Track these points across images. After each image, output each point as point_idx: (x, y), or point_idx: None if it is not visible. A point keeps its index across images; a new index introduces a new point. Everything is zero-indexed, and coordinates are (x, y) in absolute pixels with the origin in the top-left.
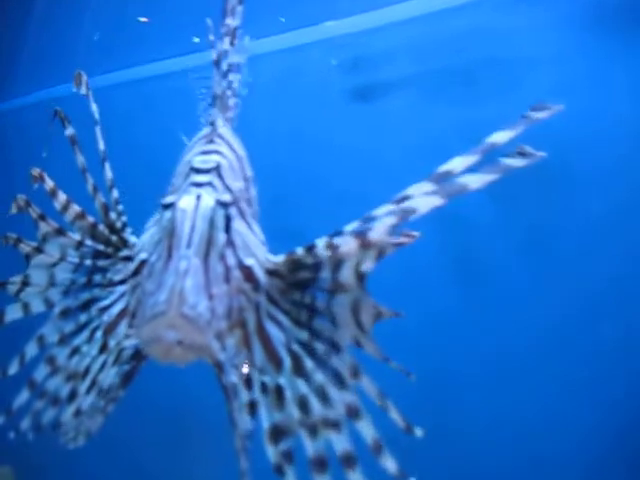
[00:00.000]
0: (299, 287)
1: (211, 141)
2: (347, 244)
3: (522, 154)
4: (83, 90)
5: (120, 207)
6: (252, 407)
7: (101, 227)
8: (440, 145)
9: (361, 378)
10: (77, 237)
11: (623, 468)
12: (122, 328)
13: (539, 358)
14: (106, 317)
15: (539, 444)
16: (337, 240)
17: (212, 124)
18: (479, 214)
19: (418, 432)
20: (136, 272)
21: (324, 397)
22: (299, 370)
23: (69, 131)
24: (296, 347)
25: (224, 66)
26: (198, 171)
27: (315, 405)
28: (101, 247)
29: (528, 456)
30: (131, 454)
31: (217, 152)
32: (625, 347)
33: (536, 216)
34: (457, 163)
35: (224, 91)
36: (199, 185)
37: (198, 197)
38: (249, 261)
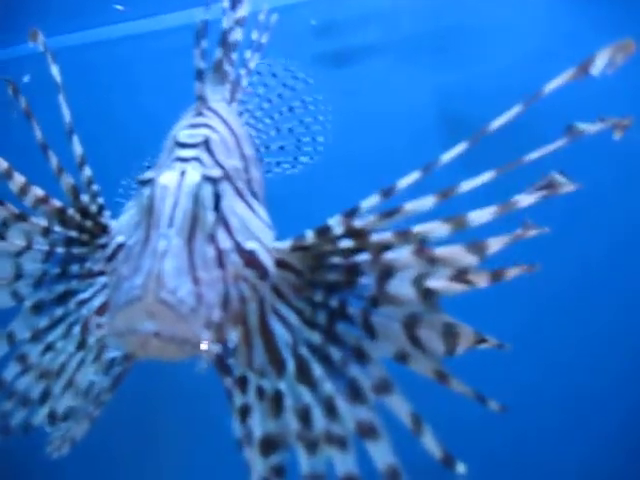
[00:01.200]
0: (322, 287)
1: (200, 114)
2: (401, 254)
3: (552, 186)
4: (41, 47)
5: (95, 188)
6: (245, 412)
7: (71, 212)
8: (412, 111)
9: (391, 395)
10: (43, 223)
11: None
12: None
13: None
14: (85, 311)
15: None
16: (357, 222)
17: (201, 97)
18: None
19: (460, 468)
20: (112, 258)
21: (331, 410)
22: (304, 376)
23: (22, 102)
24: (304, 350)
25: (227, 36)
26: (183, 145)
27: (318, 418)
28: (73, 234)
29: None
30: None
31: (206, 125)
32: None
33: (510, 185)
34: (476, 216)
35: (221, 63)
36: (184, 160)
37: (182, 173)
38: (250, 245)
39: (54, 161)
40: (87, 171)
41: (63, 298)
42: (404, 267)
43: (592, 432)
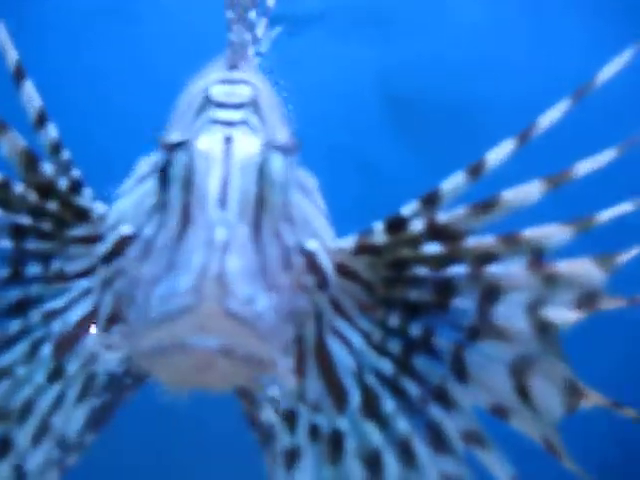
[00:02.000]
0: (400, 307)
1: (235, 67)
2: (511, 269)
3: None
4: None
5: (64, 154)
6: (292, 457)
7: (20, 187)
8: (351, 85)
9: (484, 448)
10: None
11: None
12: (89, 343)
13: None
14: (58, 327)
15: None
16: (442, 216)
17: (237, 46)
18: (398, 165)
19: None
20: (113, 254)
21: (407, 455)
22: (372, 412)
23: None
24: (372, 380)
25: (250, 16)
26: (222, 106)
27: (391, 465)
28: (26, 220)
29: None
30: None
31: (246, 82)
32: None
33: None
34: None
35: (245, 42)
36: (228, 124)
37: (228, 139)
38: (312, 244)
39: None
40: (51, 129)
41: (19, 308)
42: (515, 288)
43: None
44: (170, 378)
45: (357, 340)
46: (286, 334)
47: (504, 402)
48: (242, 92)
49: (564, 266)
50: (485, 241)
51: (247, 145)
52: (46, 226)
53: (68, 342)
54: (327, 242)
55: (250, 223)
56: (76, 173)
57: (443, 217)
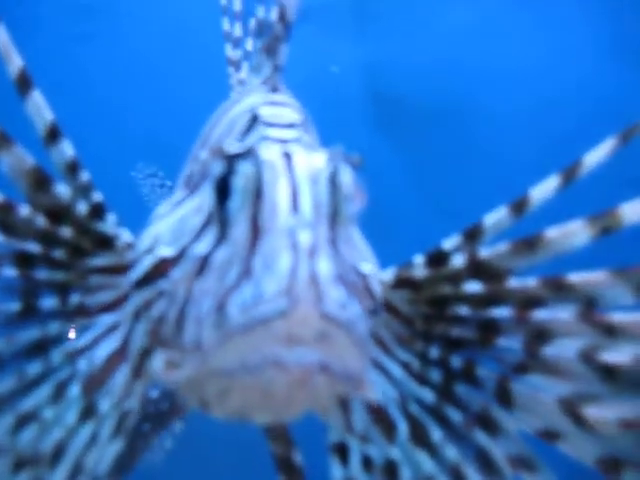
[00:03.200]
0: (441, 342)
1: (276, 89)
2: (560, 318)
3: None
4: None
5: (83, 174)
6: None
7: (27, 211)
8: (334, 86)
9: (534, 473)
10: None
11: None
12: (120, 379)
13: None
14: (85, 366)
15: None
16: (485, 253)
17: (276, 68)
18: (382, 161)
19: None
20: (150, 279)
21: None
22: (421, 440)
23: None
24: (416, 410)
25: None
26: (273, 125)
27: None
28: (33, 247)
29: None
30: None
31: (292, 105)
32: None
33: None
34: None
35: (277, 38)
36: (282, 142)
37: (287, 155)
38: (366, 267)
39: None
40: (66, 145)
41: (38, 348)
42: (567, 334)
43: None
44: (242, 403)
45: (396, 370)
46: (371, 348)
47: (554, 426)
48: (291, 113)
49: (622, 319)
50: (529, 285)
51: (311, 157)
52: (60, 254)
53: (98, 380)
54: (375, 270)
55: (328, 231)
56: (97, 196)
57: (485, 253)
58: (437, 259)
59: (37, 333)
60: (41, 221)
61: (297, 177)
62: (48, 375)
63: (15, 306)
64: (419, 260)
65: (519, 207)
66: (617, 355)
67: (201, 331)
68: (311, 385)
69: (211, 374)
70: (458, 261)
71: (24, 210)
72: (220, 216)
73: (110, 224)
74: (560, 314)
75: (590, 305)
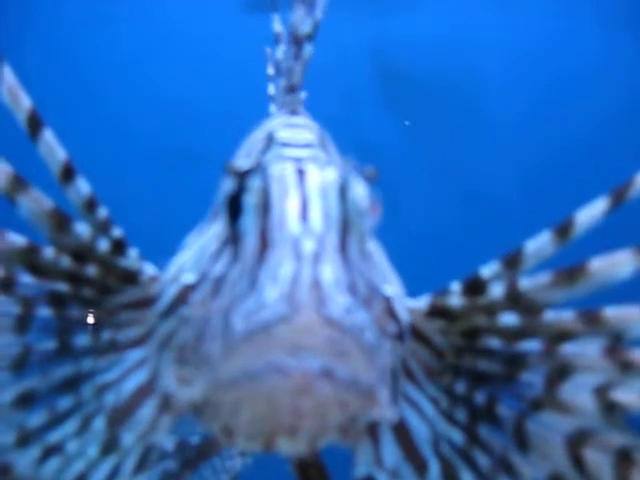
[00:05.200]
0: (468, 375)
1: (295, 112)
2: (587, 352)
3: None
4: None
5: (99, 209)
6: None
7: (50, 252)
8: (342, 62)
9: None
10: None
11: None
12: (146, 413)
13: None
14: (111, 400)
15: None
16: (525, 283)
17: (291, 89)
18: (390, 137)
19: None
20: (175, 307)
21: None
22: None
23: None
24: (447, 450)
25: (299, 33)
26: (289, 145)
27: None
28: (62, 287)
29: None
30: None
31: (310, 126)
32: None
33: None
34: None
35: (294, 67)
36: (296, 160)
37: (300, 172)
38: (389, 289)
39: None
40: (82, 183)
41: (70, 384)
42: (587, 369)
43: None
44: (252, 418)
45: (427, 407)
46: (384, 361)
47: (562, 471)
48: (307, 134)
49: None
50: (565, 318)
51: (323, 172)
52: (88, 293)
53: (123, 414)
54: (402, 295)
55: (337, 240)
56: (117, 232)
57: (525, 283)
58: (474, 287)
59: (70, 369)
60: (66, 261)
61: (307, 190)
62: (77, 409)
63: (50, 344)
64: (455, 288)
65: (563, 232)
66: (627, 393)
67: (212, 346)
68: (315, 392)
69: (220, 387)
70: (496, 291)
71: (49, 252)
72: (233, 234)
73: (132, 259)
74: (586, 349)
75: (617, 340)
